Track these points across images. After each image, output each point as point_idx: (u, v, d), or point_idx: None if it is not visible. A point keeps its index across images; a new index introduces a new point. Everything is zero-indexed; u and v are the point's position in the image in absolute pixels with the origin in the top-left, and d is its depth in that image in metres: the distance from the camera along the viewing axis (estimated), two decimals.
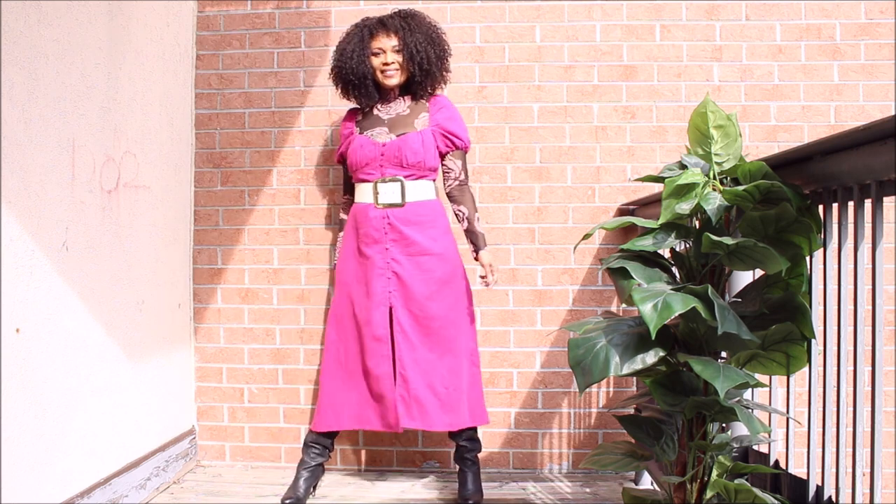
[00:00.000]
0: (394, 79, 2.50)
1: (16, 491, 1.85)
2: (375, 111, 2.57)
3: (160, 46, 2.74)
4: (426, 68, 2.49)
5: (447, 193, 2.59)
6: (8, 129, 1.83)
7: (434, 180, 2.56)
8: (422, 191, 2.50)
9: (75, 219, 2.15)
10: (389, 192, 2.47)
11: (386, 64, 2.49)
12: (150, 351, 2.65)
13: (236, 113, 3.06)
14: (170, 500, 2.57)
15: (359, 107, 2.62)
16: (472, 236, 2.58)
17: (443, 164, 2.57)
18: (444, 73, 2.56)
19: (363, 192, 2.53)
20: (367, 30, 2.52)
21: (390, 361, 2.46)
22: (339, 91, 2.60)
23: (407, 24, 2.50)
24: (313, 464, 2.55)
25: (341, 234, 2.68)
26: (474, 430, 2.56)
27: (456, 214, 2.60)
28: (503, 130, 2.98)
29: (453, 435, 2.54)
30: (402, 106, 2.56)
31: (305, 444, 2.57)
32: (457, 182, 2.58)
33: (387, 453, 2.97)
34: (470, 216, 2.58)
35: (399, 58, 2.49)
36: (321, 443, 2.56)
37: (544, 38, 2.99)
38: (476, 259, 2.59)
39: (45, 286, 1.99)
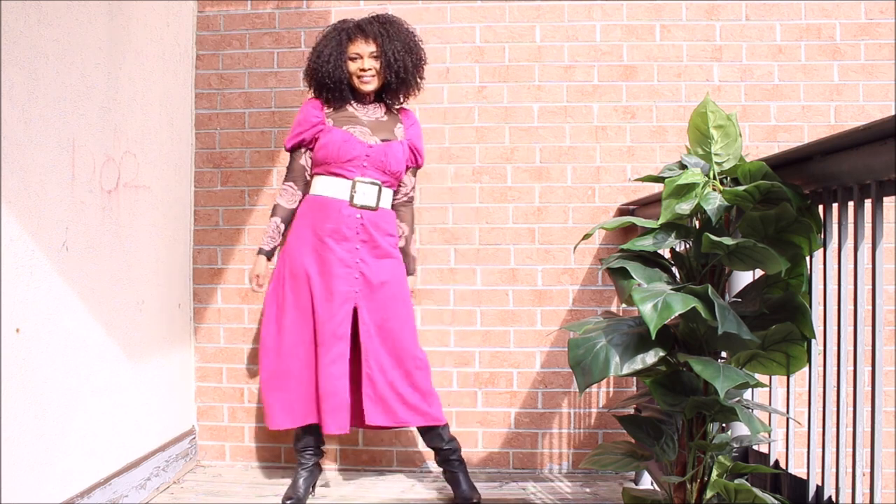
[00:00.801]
0: (370, 85, 2.49)
1: (16, 491, 1.85)
2: (350, 108, 2.53)
3: (160, 46, 2.74)
4: (402, 76, 2.49)
5: (392, 206, 2.58)
6: (8, 128, 1.83)
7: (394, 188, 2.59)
8: (388, 199, 2.54)
9: (75, 219, 2.15)
10: (367, 194, 2.46)
11: (363, 70, 2.47)
12: (150, 351, 2.65)
13: (236, 113, 3.06)
14: (170, 500, 2.57)
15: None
16: (406, 258, 2.60)
17: (399, 179, 2.59)
18: (418, 80, 2.55)
19: (334, 187, 2.46)
20: (346, 34, 2.49)
21: (347, 361, 2.44)
22: (312, 91, 2.55)
23: (385, 31, 2.48)
24: (310, 464, 2.56)
25: (275, 219, 2.53)
26: (446, 430, 2.54)
27: (398, 231, 2.60)
28: (503, 130, 2.98)
29: (430, 441, 2.53)
30: (378, 111, 2.56)
31: (296, 450, 2.57)
32: (406, 198, 2.62)
33: (387, 453, 2.97)
34: (408, 236, 2.63)
35: (376, 64, 2.48)
36: (310, 445, 2.55)
37: (544, 38, 2.99)
38: (407, 267, 2.62)
39: (45, 286, 1.99)
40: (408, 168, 2.59)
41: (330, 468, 2.97)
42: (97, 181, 2.27)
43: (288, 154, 2.59)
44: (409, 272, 2.61)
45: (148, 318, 2.62)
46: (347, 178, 2.46)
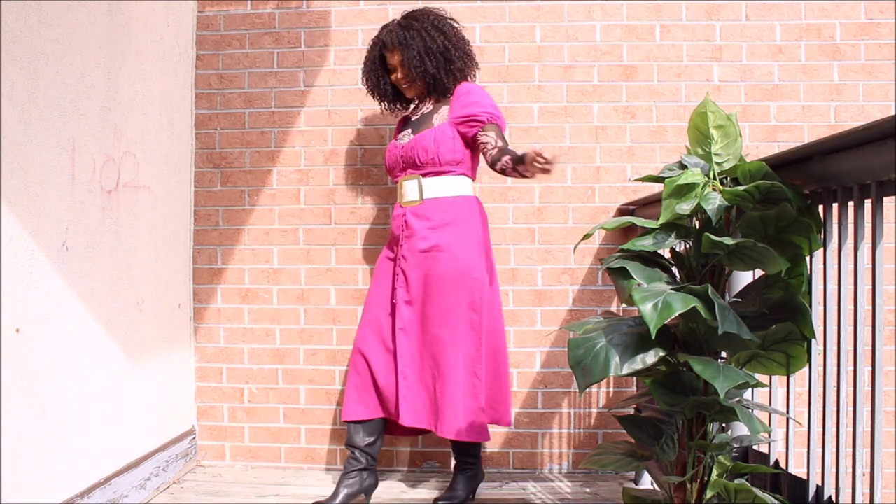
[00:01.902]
0: (410, 91, 2.54)
1: (16, 491, 1.85)
2: (412, 115, 2.63)
3: (160, 46, 2.74)
4: (432, 74, 2.47)
5: (490, 164, 2.40)
6: (8, 128, 1.83)
7: (465, 174, 2.48)
8: (444, 187, 2.44)
9: (75, 219, 2.15)
10: (409, 190, 2.46)
11: (398, 79, 2.54)
12: (150, 351, 2.65)
13: (236, 113, 3.06)
14: (170, 500, 2.57)
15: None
16: (516, 158, 2.28)
17: (480, 144, 2.44)
18: (455, 71, 2.49)
19: (396, 194, 2.58)
20: (378, 49, 2.56)
21: (392, 356, 2.44)
22: (376, 100, 2.69)
23: (405, 37, 2.47)
24: (354, 469, 2.45)
25: None
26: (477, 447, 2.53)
27: (503, 170, 2.35)
28: None
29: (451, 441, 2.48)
30: (427, 105, 2.56)
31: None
32: (496, 150, 2.39)
33: (387, 453, 2.97)
34: (513, 153, 2.32)
35: (406, 71, 2.50)
36: (354, 445, 2.46)
37: (544, 38, 2.99)
38: (524, 159, 2.20)
39: (45, 286, 1.99)
40: (474, 135, 2.43)
41: (330, 468, 2.97)
42: (97, 181, 2.27)
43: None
44: (519, 158, 2.25)
45: (148, 318, 2.62)
46: (396, 182, 2.54)
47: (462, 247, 2.39)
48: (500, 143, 2.39)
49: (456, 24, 2.55)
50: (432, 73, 2.47)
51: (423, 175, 2.44)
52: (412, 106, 2.65)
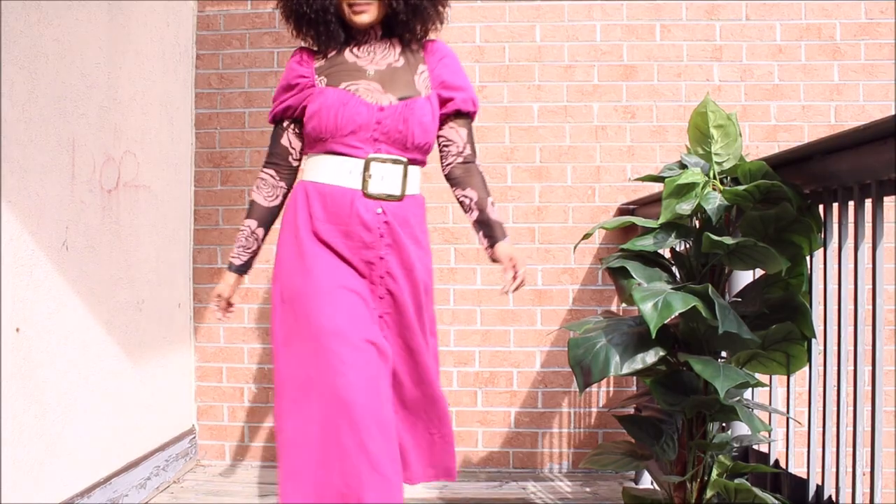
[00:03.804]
0: (366, 15, 1.76)
1: (16, 491, 1.85)
2: (348, 55, 1.80)
3: (160, 46, 2.74)
4: (414, 1, 1.77)
5: (447, 175, 1.92)
6: (8, 128, 1.83)
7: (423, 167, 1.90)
8: (416, 181, 1.85)
9: (75, 218, 2.15)
10: (389, 179, 1.76)
11: None
12: (150, 350, 2.65)
13: (236, 112, 3.06)
14: (170, 500, 2.57)
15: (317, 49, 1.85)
16: (486, 227, 1.86)
17: (439, 137, 1.90)
18: (439, 7, 1.84)
19: (339, 171, 1.75)
20: None
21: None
22: (291, 29, 1.85)
23: None
24: None
25: (249, 223, 1.89)
26: None
27: (460, 202, 1.91)
28: (503, 130, 2.98)
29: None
30: (390, 52, 1.82)
31: None
32: (460, 159, 1.89)
33: None
34: (480, 202, 1.87)
35: None
36: None
37: (544, 38, 2.99)
38: (491, 255, 1.86)
39: (45, 285, 1.99)
40: (446, 118, 1.87)
41: None
42: (97, 181, 2.27)
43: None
44: (496, 239, 1.85)
45: (148, 318, 2.62)
46: (355, 157, 1.75)
47: (429, 253, 1.91)
48: (466, 151, 1.89)
49: None
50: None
51: (410, 161, 1.79)
52: (347, 49, 1.82)
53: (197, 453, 3.03)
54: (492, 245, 1.85)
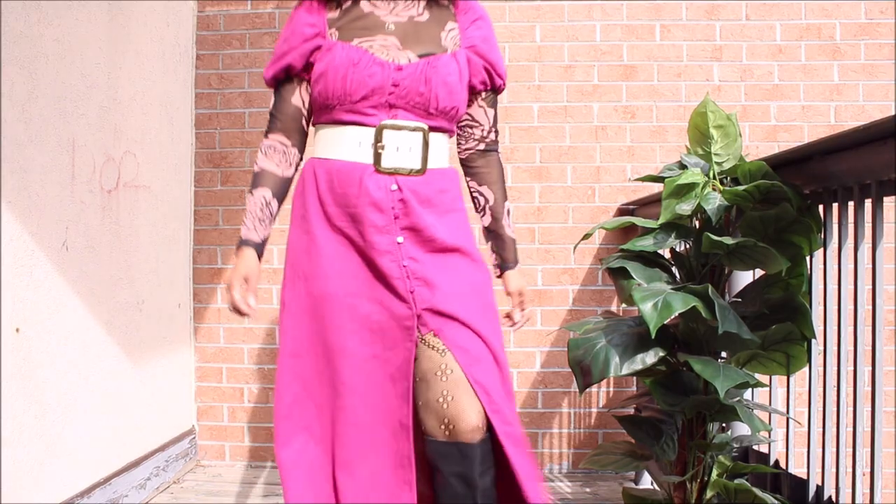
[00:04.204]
0: None
1: (16, 491, 1.85)
2: (364, 4, 1.52)
3: (160, 46, 2.74)
4: None
5: (463, 161, 1.67)
6: (8, 128, 1.83)
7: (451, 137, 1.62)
8: (442, 151, 1.55)
9: (75, 218, 2.15)
10: (405, 149, 1.47)
11: None
12: (150, 351, 2.65)
13: (236, 113, 3.06)
14: (170, 500, 2.57)
15: None
16: (498, 241, 1.67)
17: (468, 116, 1.64)
18: None
19: (348, 143, 1.49)
20: None
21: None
22: None
23: None
24: None
25: (261, 192, 1.58)
26: None
27: (473, 198, 1.68)
28: (503, 130, 2.98)
29: None
30: (413, 4, 1.52)
31: None
32: (482, 145, 1.63)
33: None
34: (496, 207, 1.65)
35: None
36: None
37: (544, 38, 2.99)
38: (499, 277, 1.67)
39: (45, 286, 1.99)
40: (475, 94, 1.60)
41: None
42: (97, 181, 2.27)
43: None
44: (505, 266, 1.67)
45: (148, 318, 2.62)
46: (366, 126, 1.48)
47: (474, 242, 1.59)
48: (490, 136, 1.64)
49: None
50: None
51: (431, 128, 1.50)
52: None
53: (197, 454, 3.03)
54: (502, 270, 1.68)
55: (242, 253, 1.53)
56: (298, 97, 1.56)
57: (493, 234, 1.67)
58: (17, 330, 1.87)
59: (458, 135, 1.65)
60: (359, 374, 1.47)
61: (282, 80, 1.56)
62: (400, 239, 1.47)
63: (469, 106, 1.61)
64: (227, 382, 3.03)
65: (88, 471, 2.22)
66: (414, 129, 1.48)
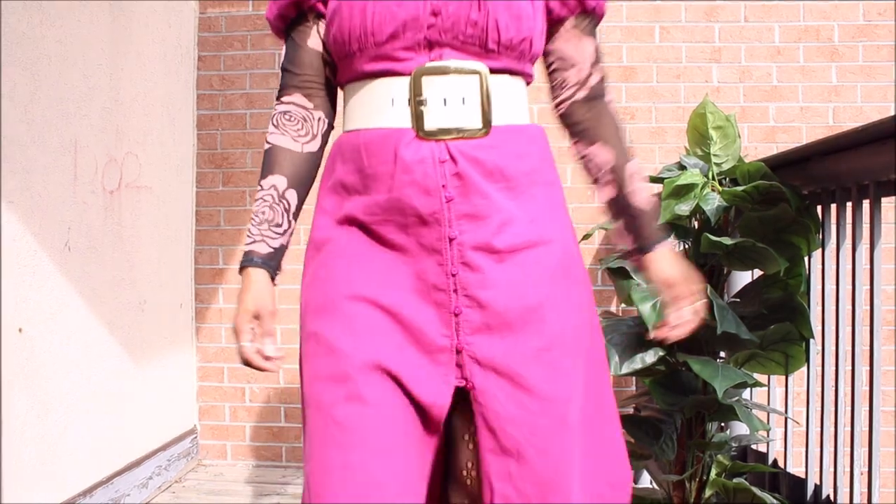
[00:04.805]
0: None
1: (18, 490, 1.86)
2: None
3: (162, 47, 2.75)
4: None
5: (562, 119, 1.27)
6: (10, 129, 1.84)
7: (529, 84, 1.16)
8: (515, 102, 1.11)
9: (77, 219, 2.15)
10: (456, 102, 1.02)
11: None
12: (152, 350, 2.66)
13: (238, 114, 3.07)
14: (171, 500, 2.58)
15: None
16: (628, 218, 1.19)
17: (547, 54, 1.20)
18: None
19: (377, 101, 1.05)
20: None
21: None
22: None
23: None
24: None
25: (273, 180, 1.13)
26: None
27: (585, 167, 1.26)
28: None
29: None
30: None
31: None
32: (583, 92, 1.23)
33: None
34: (618, 168, 1.20)
35: None
36: None
37: None
38: (639, 265, 1.17)
39: (47, 286, 2.00)
40: (558, 21, 1.19)
41: None
42: (99, 181, 2.28)
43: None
44: (645, 246, 1.16)
45: (150, 318, 2.63)
46: (400, 74, 1.03)
47: (568, 226, 1.15)
48: (592, 80, 1.24)
49: None
50: None
51: (493, 70, 1.05)
52: None
53: (199, 453, 3.03)
54: (641, 252, 1.15)
55: (248, 277, 1.09)
56: (317, 38, 1.10)
57: (620, 206, 1.18)
58: (20, 330, 1.88)
59: (550, 86, 1.22)
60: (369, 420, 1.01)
61: (292, 21, 1.11)
62: (453, 233, 1.01)
63: (552, 40, 1.18)
64: (229, 382, 3.04)
65: (90, 470, 2.23)
66: (465, 72, 1.02)
